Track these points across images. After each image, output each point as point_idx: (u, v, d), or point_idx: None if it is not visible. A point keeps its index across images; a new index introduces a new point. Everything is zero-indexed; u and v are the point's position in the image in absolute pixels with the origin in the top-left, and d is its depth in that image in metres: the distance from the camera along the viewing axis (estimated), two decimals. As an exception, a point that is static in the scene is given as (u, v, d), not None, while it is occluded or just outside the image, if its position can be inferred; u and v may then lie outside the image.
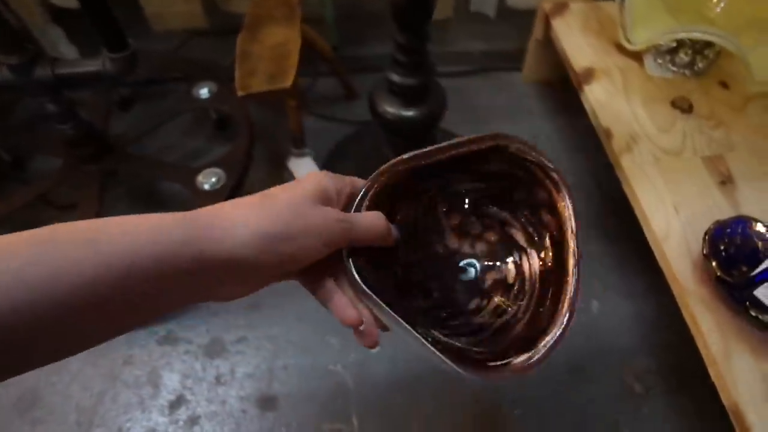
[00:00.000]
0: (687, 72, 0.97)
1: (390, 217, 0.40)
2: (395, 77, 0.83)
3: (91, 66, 0.84)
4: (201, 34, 1.35)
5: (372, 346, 0.37)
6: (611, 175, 0.88)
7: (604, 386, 0.91)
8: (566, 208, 0.42)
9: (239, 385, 0.89)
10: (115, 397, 0.88)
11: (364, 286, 0.35)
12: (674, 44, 0.94)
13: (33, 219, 1.02)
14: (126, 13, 1.20)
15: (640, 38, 0.91)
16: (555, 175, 0.43)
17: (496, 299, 0.44)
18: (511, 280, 0.44)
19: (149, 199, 1.12)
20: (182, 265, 0.28)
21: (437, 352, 0.34)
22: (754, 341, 0.68)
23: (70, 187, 0.98)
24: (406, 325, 0.34)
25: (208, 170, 0.95)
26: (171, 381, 0.89)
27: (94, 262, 0.25)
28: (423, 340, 0.34)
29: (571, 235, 0.42)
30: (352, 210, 0.38)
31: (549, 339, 0.38)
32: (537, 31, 1.18)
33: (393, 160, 0.40)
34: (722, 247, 0.73)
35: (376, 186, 0.39)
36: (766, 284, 0.69)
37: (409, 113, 0.86)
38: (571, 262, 0.41)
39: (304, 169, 1.12)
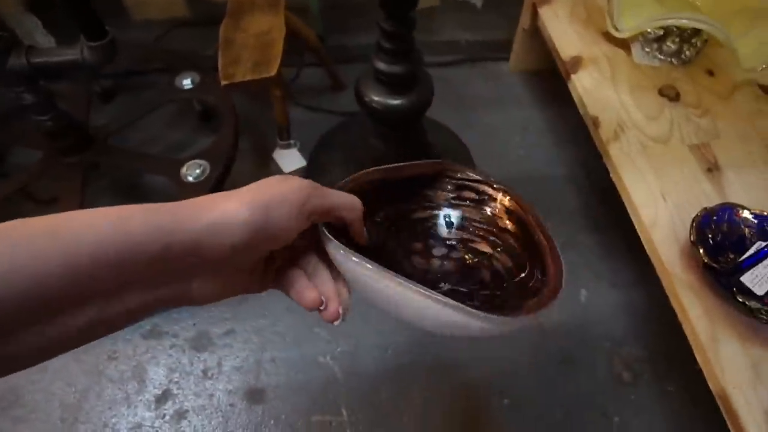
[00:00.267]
0: (674, 60, 0.97)
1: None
2: (381, 65, 0.82)
3: (69, 55, 0.82)
4: (182, 23, 1.33)
5: (334, 319, 0.36)
6: (600, 164, 0.88)
7: (593, 375, 0.91)
8: (519, 200, 0.47)
9: (227, 378, 0.88)
10: (100, 393, 0.86)
11: (335, 241, 0.35)
12: (661, 32, 0.94)
13: (13, 213, 0.98)
14: (104, 3, 1.18)
15: (627, 26, 0.91)
16: (501, 186, 0.48)
17: (478, 300, 0.45)
18: (489, 279, 0.46)
19: (133, 192, 1.10)
20: (149, 253, 0.27)
21: (457, 303, 0.33)
22: (741, 327, 0.68)
23: (51, 180, 0.95)
24: (408, 284, 0.33)
25: (192, 162, 0.93)
26: (157, 375, 0.88)
27: (53, 254, 0.24)
28: (423, 290, 0.32)
29: (530, 219, 0.45)
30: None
31: (550, 287, 0.40)
32: (524, 20, 1.18)
33: (360, 173, 0.42)
34: (709, 235, 0.74)
35: (349, 186, 0.41)
36: (752, 270, 0.70)
37: (396, 102, 0.85)
38: (539, 235, 0.44)
39: (291, 160, 1.11)
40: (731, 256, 0.74)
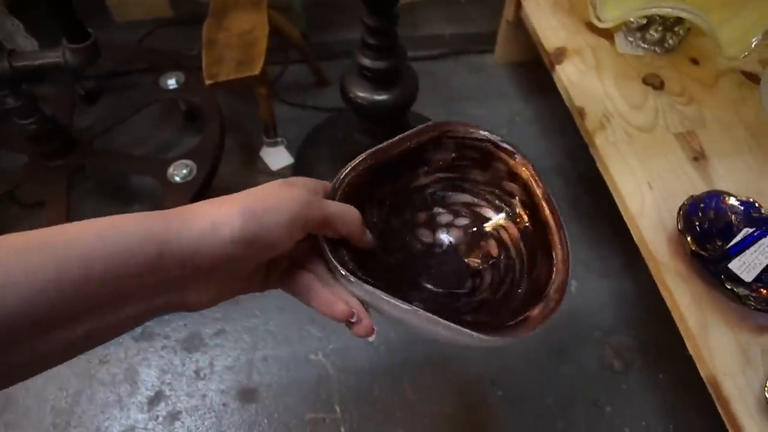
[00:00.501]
0: (657, 49, 0.97)
1: None
2: (366, 61, 0.81)
3: (51, 58, 0.81)
4: (166, 23, 1.32)
5: (368, 334, 0.36)
6: (587, 154, 0.88)
7: (584, 365, 0.92)
8: (526, 168, 0.44)
9: (219, 378, 0.88)
10: (92, 397, 0.86)
11: (342, 270, 0.35)
12: (644, 21, 0.95)
13: (-2, 218, 0.99)
14: (86, 4, 1.17)
15: (610, 16, 0.91)
16: (506, 145, 0.44)
17: (488, 274, 0.44)
18: (495, 253, 0.45)
19: (119, 193, 1.09)
20: (141, 264, 0.27)
21: (453, 325, 0.33)
22: (729, 313, 0.69)
23: (37, 184, 0.95)
24: (405, 307, 0.33)
25: (178, 162, 0.93)
26: (149, 377, 0.88)
27: (46, 269, 0.24)
28: (428, 314, 0.33)
29: (540, 191, 0.43)
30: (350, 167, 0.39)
31: (557, 285, 0.39)
32: (507, 12, 1.18)
33: (353, 161, 0.41)
34: (696, 222, 0.74)
35: (344, 185, 0.40)
36: (740, 257, 0.70)
37: (381, 97, 0.85)
38: (548, 215, 0.42)
39: (278, 158, 1.11)
40: (719, 243, 0.74)
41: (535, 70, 1.25)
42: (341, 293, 0.36)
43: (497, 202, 0.46)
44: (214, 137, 0.97)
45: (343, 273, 0.35)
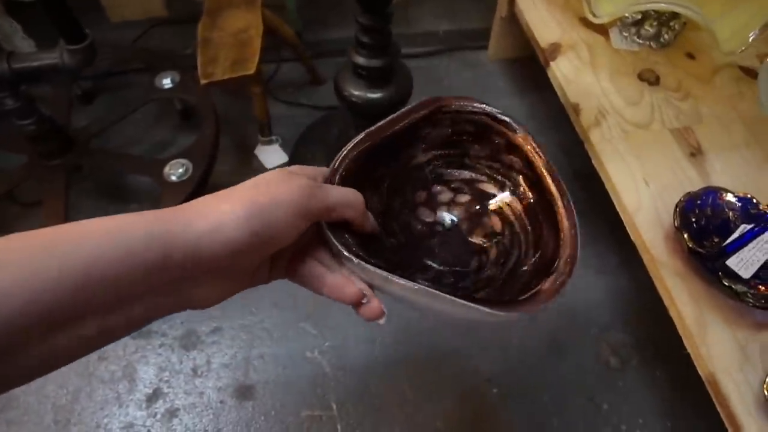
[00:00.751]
0: (653, 44, 0.96)
1: None
2: (360, 59, 0.81)
3: (49, 59, 0.82)
4: (161, 22, 1.31)
5: (379, 317, 0.36)
6: (582, 150, 0.88)
7: (580, 361, 0.92)
8: (526, 141, 0.43)
9: (216, 375, 0.88)
10: (91, 394, 0.86)
11: (340, 247, 0.34)
12: (639, 17, 0.94)
13: (-4, 218, 0.99)
14: (82, 4, 1.16)
15: (605, 11, 0.90)
16: (504, 117, 0.44)
17: (493, 251, 0.43)
18: (499, 228, 0.45)
19: (116, 192, 1.09)
20: (147, 263, 0.26)
21: (464, 301, 0.33)
22: (727, 310, 0.69)
23: (35, 183, 0.95)
24: (422, 288, 0.33)
25: (174, 161, 0.93)
26: (147, 375, 0.88)
27: (50, 269, 0.24)
28: (437, 292, 0.33)
29: (541, 162, 0.43)
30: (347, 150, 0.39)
31: (566, 257, 0.39)
32: (501, 8, 1.17)
33: (349, 144, 0.40)
34: (693, 219, 0.74)
35: (342, 168, 0.39)
36: (738, 254, 0.70)
37: (376, 95, 0.85)
38: (552, 186, 0.42)
39: (272, 156, 1.11)
40: (716, 239, 0.74)
41: (529, 65, 1.24)
42: (346, 275, 0.36)
43: (498, 176, 0.46)
44: (210, 136, 0.97)
45: (349, 256, 0.34)
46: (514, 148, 0.44)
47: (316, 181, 0.34)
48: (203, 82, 0.89)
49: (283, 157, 1.11)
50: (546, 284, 0.37)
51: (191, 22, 1.04)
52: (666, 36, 0.95)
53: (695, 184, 0.79)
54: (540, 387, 0.89)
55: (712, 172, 0.81)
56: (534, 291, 0.37)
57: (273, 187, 0.31)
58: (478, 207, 0.46)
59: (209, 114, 0.99)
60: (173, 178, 0.91)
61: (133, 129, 1.17)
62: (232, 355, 0.90)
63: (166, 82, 1.05)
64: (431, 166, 0.46)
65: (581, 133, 0.87)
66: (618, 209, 0.80)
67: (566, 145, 1.16)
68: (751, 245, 0.70)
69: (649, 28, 0.94)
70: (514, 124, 0.44)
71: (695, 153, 0.83)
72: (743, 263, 0.69)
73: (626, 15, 0.94)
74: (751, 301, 0.65)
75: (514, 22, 1.13)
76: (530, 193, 0.44)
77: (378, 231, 0.40)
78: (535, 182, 0.43)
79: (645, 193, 0.79)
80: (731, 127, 0.87)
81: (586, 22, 0.99)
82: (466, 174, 0.47)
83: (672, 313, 0.71)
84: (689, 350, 0.68)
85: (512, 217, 0.45)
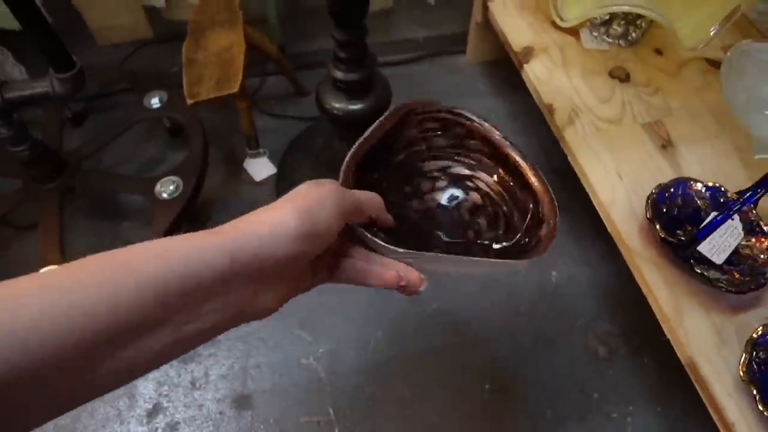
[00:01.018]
0: (622, 42, 0.99)
1: None
2: (338, 74, 0.84)
3: (40, 88, 0.84)
4: (147, 43, 1.34)
5: (418, 286, 0.40)
6: (559, 148, 0.91)
7: (569, 353, 0.94)
8: (479, 126, 0.52)
9: (214, 387, 0.90)
10: (93, 413, 0.88)
11: (380, 242, 0.40)
12: (607, 17, 0.97)
13: (-8, 243, 1.02)
14: (69, 29, 1.19)
15: (571, 15, 0.93)
16: (460, 110, 0.52)
17: (482, 220, 0.52)
18: (480, 201, 0.53)
19: (109, 212, 1.12)
20: (217, 273, 0.29)
21: (488, 259, 0.44)
22: (703, 296, 0.71)
23: (29, 206, 0.98)
24: (444, 255, 0.41)
25: (165, 179, 0.95)
26: (146, 390, 0.90)
27: (128, 285, 0.26)
28: (471, 258, 0.42)
29: (496, 135, 0.51)
30: (345, 165, 0.45)
31: (546, 208, 0.48)
32: (476, 14, 1.20)
33: (349, 152, 0.45)
34: (665, 210, 0.77)
35: (349, 177, 0.44)
36: (709, 239, 0.72)
37: (356, 106, 0.87)
38: (512, 153, 0.51)
39: (261, 168, 1.13)
40: (689, 228, 0.77)
41: (507, 67, 1.27)
42: (382, 264, 0.41)
43: (465, 159, 0.53)
44: (198, 152, 0.99)
45: (394, 248, 0.40)
46: (472, 133, 0.52)
47: (341, 187, 0.38)
48: (189, 102, 0.91)
49: (272, 169, 1.14)
50: (542, 231, 0.47)
51: (176, 40, 1.06)
52: (634, 34, 0.98)
53: (667, 176, 0.81)
54: (531, 381, 0.92)
55: (684, 163, 0.84)
56: (535, 240, 0.46)
57: (312, 192, 0.35)
58: (456, 188, 0.53)
59: (197, 131, 1.02)
60: (164, 195, 0.93)
61: (124, 148, 1.19)
62: (230, 366, 0.92)
63: (154, 102, 1.08)
64: (409, 162, 0.52)
65: (556, 132, 0.90)
66: (594, 203, 0.83)
67: (545, 143, 1.19)
68: (720, 230, 0.72)
69: (617, 28, 0.97)
70: (469, 115, 0.52)
71: (666, 145, 0.86)
72: (715, 249, 0.71)
73: (593, 17, 0.96)
74: (723, 286, 0.68)
75: (490, 27, 1.15)
76: (496, 166, 0.52)
77: (394, 225, 0.45)
78: (496, 155, 0.52)
79: (619, 186, 0.82)
80: (700, 118, 0.90)
81: (557, 25, 1.02)
82: (439, 164, 0.53)
83: (650, 300, 0.73)
84: (668, 337, 0.71)
85: (487, 189, 0.53)
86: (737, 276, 0.70)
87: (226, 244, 0.30)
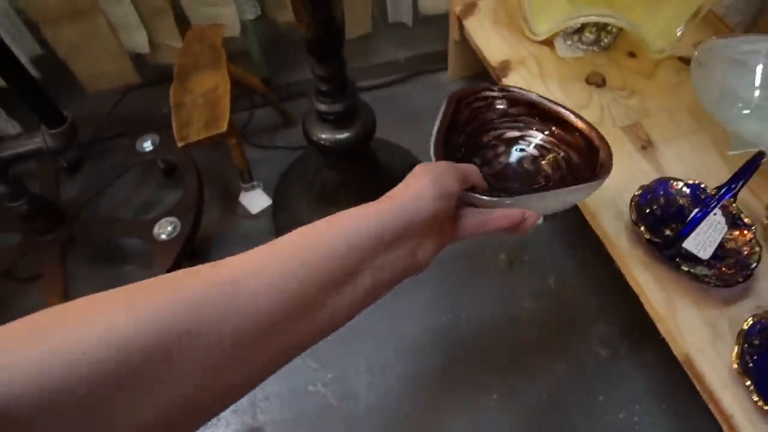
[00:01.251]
0: (595, 48, 1.02)
1: None
2: (322, 106, 0.86)
3: (33, 144, 0.87)
4: (135, 88, 1.37)
5: (536, 219, 0.49)
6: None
7: (572, 357, 0.96)
8: (518, 93, 0.64)
9: (225, 423, 0.91)
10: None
11: (490, 198, 0.49)
12: (579, 25, 1.00)
13: (-1, 298, 1.04)
14: (58, 80, 1.22)
15: (541, 29, 0.96)
16: (499, 86, 0.65)
17: (547, 167, 0.63)
18: (538, 153, 0.64)
19: (111, 256, 1.14)
20: (395, 229, 0.39)
21: (574, 186, 0.53)
22: (694, 292, 0.72)
23: (30, 258, 1.00)
24: (540, 193, 0.55)
25: (163, 220, 0.97)
26: None
27: (337, 244, 0.35)
28: (560, 189, 0.53)
29: (532, 95, 0.63)
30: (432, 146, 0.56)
31: (596, 136, 0.60)
32: (453, 33, 1.22)
33: (433, 151, 0.55)
34: (648, 210, 0.78)
35: (440, 156, 0.55)
36: (694, 235, 0.73)
37: (343, 135, 0.90)
38: (551, 106, 0.63)
39: (256, 201, 1.15)
40: (674, 226, 0.78)
41: (488, 80, 1.29)
42: (500, 211, 0.49)
43: (514, 124, 0.65)
44: (193, 191, 1.02)
45: (497, 199, 0.49)
46: (514, 102, 0.64)
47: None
48: (180, 144, 0.94)
49: (267, 201, 1.16)
50: (601, 156, 0.58)
51: (164, 82, 1.09)
52: (606, 39, 1.00)
53: (650, 176, 0.83)
54: (537, 388, 0.93)
55: (664, 162, 0.86)
56: (599, 164, 0.57)
57: (432, 168, 0.45)
58: (514, 149, 0.65)
59: (191, 171, 1.04)
60: (163, 236, 0.96)
61: (120, 192, 1.21)
62: (238, 401, 0.93)
63: (147, 145, 1.10)
64: (470, 139, 0.63)
65: (538, 142, 0.92)
66: (581, 209, 0.84)
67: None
68: (703, 227, 0.73)
69: (589, 35, 1.00)
70: (508, 87, 0.64)
71: (646, 146, 0.88)
72: (701, 245, 0.73)
73: (563, 28, 0.99)
74: (711, 281, 0.69)
75: (467, 44, 1.18)
76: (541, 121, 0.64)
77: (487, 187, 0.54)
78: (538, 113, 0.64)
79: (604, 191, 0.83)
80: (677, 116, 0.92)
81: (531, 37, 1.05)
82: (493, 134, 0.65)
83: (642, 300, 0.75)
84: (663, 334, 0.72)
85: (540, 142, 0.64)
86: (725, 270, 0.72)
87: (394, 207, 0.40)
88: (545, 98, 0.63)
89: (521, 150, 0.65)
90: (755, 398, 0.61)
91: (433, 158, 0.53)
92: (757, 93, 0.86)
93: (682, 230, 0.74)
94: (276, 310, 0.31)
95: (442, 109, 0.60)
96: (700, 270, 0.72)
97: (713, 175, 0.82)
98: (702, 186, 0.78)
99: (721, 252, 0.74)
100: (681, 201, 0.80)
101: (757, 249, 0.72)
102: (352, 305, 0.37)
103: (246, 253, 0.34)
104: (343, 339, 0.96)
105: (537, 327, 0.99)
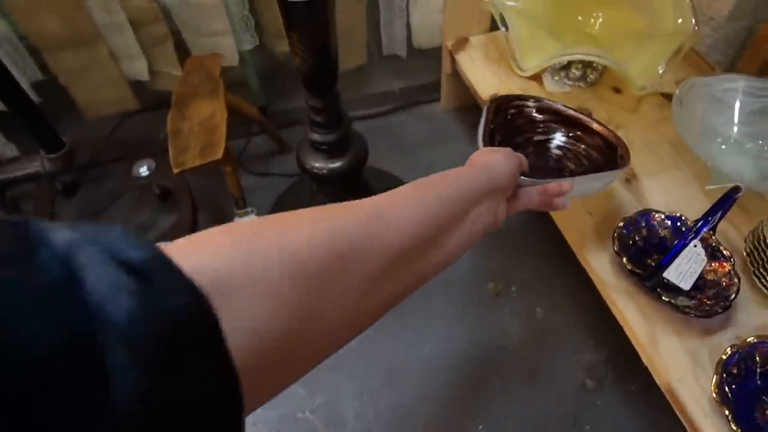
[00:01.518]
0: (582, 84, 1.05)
1: None
2: (316, 137, 0.89)
3: (31, 168, 0.89)
4: (133, 113, 1.39)
5: (569, 190, 0.59)
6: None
7: (559, 387, 0.97)
8: (544, 103, 0.78)
9: (215, 447, 0.91)
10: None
11: (533, 179, 0.57)
12: (566, 62, 1.03)
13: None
14: (58, 106, 1.24)
15: (529, 66, 0.99)
16: (528, 96, 0.79)
17: (570, 164, 0.78)
18: (562, 153, 0.79)
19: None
20: (482, 187, 0.45)
21: (603, 172, 0.69)
22: (676, 322, 0.74)
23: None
24: (577, 177, 0.69)
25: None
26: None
27: (429, 202, 0.39)
28: (596, 174, 0.70)
29: (555, 104, 0.78)
30: (480, 138, 0.69)
31: (612, 135, 0.76)
32: (445, 67, 1.26)
33: (480, 142, 0.68)
34: (630, 242, 0.81)
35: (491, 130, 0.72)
36: (674, 266, 0.75)
37: (336, 164, 0.92)
38: (572, 113, 0.78)
39: (249, 227, 1.17)
40: (655, 256, 0.80)
41: (479, 112, 1.32)
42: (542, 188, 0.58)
43: (540, 128, 0.79)
44: (188, 217, 1.03)
45: (542, 180, 0.57)
46: (540, 110, 0.78)
47: None
48: (176, 171, 0.96)
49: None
50: (620, 150, 0.73)
51: (162, 107, 1.11)
52: (591, 76, 1.04)
53: (633, 208, 0.85)
54: (524, 418, 0.93)
55: (648, 195, 0.89)
56: (619, 155, 0.73)
57: (499, 150, 0.54)
58: (541, 149, 0.78)
59: (185, 196, 1.06)
60: (157, 261, 0.97)
61: (115, 216, 1.22)
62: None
63: (143, 171, 1.12)
64: (505, 139, 0.74)
65: (526, 174, 0.95)
66: (567, 240, 0.87)
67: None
68: (683, 258, 0.75)
69: (575, 71, 1.04)
70: (536, 96, 0.79)
71: (630, 179, 0.91)
72: (682, 276, 0.74)
73: (550, 65, 1.02)
74: (691, 312, 0.71)
75: (459, 78, 1.21)
76: (564, 126, 0.78)
77: (528, 172, 0.60)
78: (561, 120, 0.78)
79: (589, 222, 0.86)
80: (659, 150, 0.95)
81: (520, 72, 1.08)
82: (524, 136, 0.78)
83: (626, 330, 0.76)
84: (646, 363, 0.74)
85: (564, 143, 0.79)
86: (705, 300, 0.74)
87: (477, 169, 0.47)
88: (568, 107, 0.77)
89: (548, 151, 0.77)
90: (734, 427, 0.62)
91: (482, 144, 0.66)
92: (735, 129, 0.89)
93: (662, 261, 0.76)
94: (416, 235, 0.36)
95: (484, 113, 0.71)
96: (681, 300, 0.74)
97: (694, 207, 0.85)
98: (683, 218, 0.81)
99: (702, 283, 0.76)
100: (662, 233, 0.82)
101: (736, 281, 0.74)
102: (456, 248, 0.42)
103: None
104: (332, 366, 0.97)
105: (524, 356, 1.00)
